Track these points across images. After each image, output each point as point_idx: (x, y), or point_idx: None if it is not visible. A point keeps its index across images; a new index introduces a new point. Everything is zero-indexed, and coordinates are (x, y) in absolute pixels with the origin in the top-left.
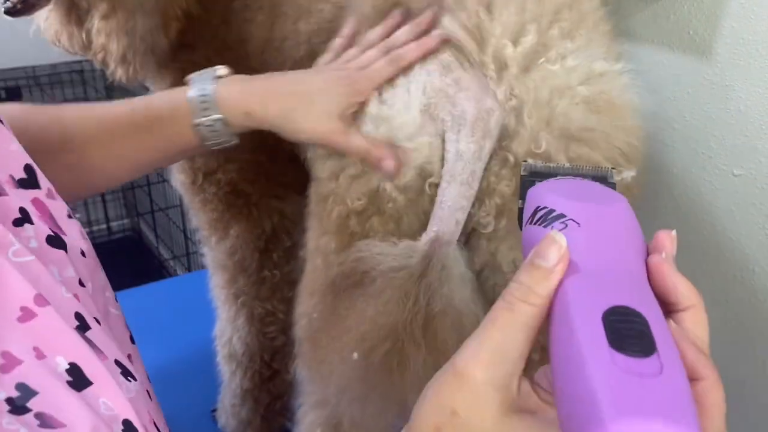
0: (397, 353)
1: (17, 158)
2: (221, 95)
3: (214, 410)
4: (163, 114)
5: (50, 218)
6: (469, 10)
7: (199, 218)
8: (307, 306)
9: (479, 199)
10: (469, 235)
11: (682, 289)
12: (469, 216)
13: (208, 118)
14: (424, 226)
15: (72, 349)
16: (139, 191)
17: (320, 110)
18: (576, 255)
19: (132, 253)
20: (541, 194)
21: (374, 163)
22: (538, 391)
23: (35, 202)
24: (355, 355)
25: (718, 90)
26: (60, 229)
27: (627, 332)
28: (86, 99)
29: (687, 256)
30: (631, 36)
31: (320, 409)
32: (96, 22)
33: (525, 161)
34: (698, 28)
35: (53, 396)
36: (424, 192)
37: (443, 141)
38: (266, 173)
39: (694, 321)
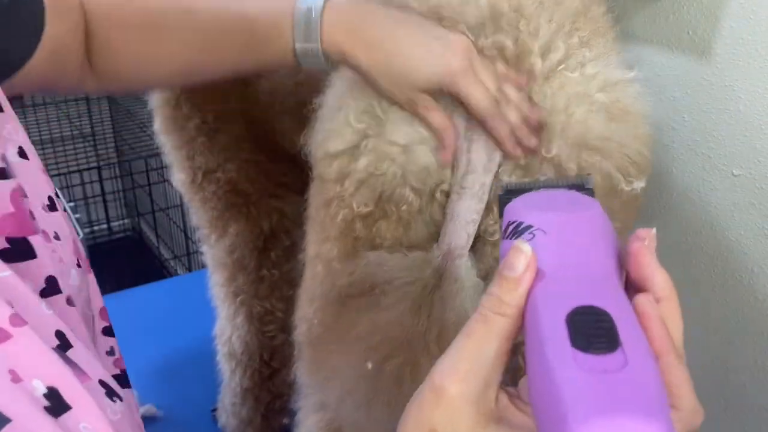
0: (410, 364)
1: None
2: (326, 23)
3: (215, 409)
4: (261, 26)
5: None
6: (512, 26)
7: (198, 216)
8: (306, 312)
9: (487, 207)
10: (474, 241)
11: (658, 279)
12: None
13: (310, 45)
14: (431, 233)
15: (50, 371)
16: (140, 191)
17: (415, 79)
18: (544, 262)
19: (132, 253)
20: (514, 209)
21: (441, 143)
22: (516, 401)
23: (13, 195)
24: (369, 365)
25: (718, 90)
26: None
27: (590, 331)
28: (86, 99)
29: (687, 257)
30: (631, 36)
31: (320, 413)
32: None
33: (502, 181)
34: (698, 28)
35: (29, 422)
36: (434, 199)
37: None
38: (265, 173)
39: (667, 313)
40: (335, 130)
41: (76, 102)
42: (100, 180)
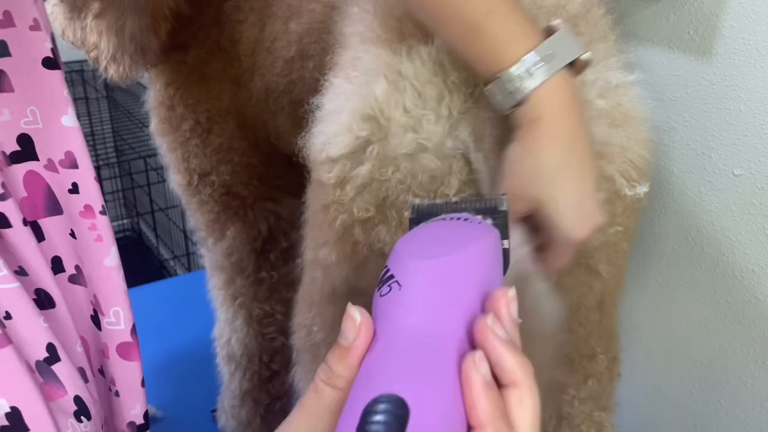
0: None
1: (9, 129)
2: (533, 104)
3: (214, 410)
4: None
5: (45, 194)
6: None
7: (196, 219)
8: (305, 318)
9: None
10: None
11: (506, 365)
12: None
13: (503, 98)
14: None
15: (18, 392)
16: (139, 191)
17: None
18: (387, 324)
19: (132, 253)
20: (393, 252)
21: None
22: None
23: (30, 174)
24: None
25: (718, 90)
26: (55, 208)
27: (375, 428)
28: (86, 99)
29: (687, 257)
30: (631, 36)
31: None
32: (89, 20)
33: (413, 201)
34: (698, 28)
35: None
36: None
37: (463, 158)
38: (260, 176)
39: (515, 401)
40: (336, 134)
41: (76, 102)
42: (100, 180)
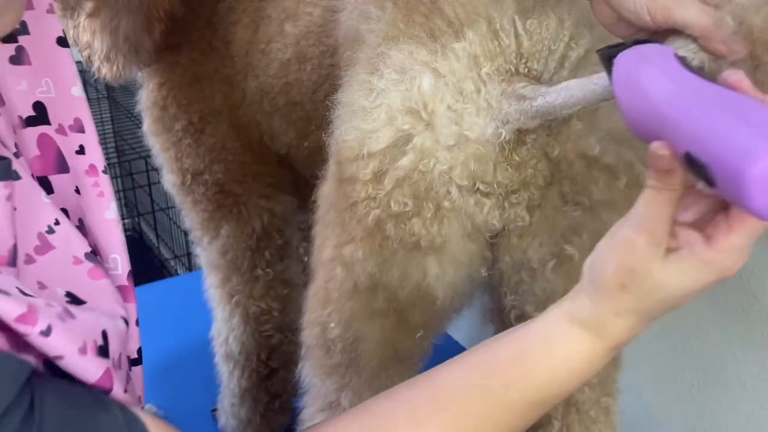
0: None
1: (26, 97)
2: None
3: (214, 410)
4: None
5: (55, 154)
6: None
7: (191, 219)
8: (319, 315)
9: (514, 191)
10: (498, 237)
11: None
12: (501, 214)
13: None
14: (464, 228)
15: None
16: (140, 191)
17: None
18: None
19: (133, 252)
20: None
21: None
22: (680, 234)
23: (42, 138)
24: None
25: None
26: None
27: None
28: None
29: None
30: None
31: (327, 413)
32: (82, 19)
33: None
34: None
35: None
36: (474, 194)
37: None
38: (253, 174)
39: None
40: (376, 129)
41: None
42: None
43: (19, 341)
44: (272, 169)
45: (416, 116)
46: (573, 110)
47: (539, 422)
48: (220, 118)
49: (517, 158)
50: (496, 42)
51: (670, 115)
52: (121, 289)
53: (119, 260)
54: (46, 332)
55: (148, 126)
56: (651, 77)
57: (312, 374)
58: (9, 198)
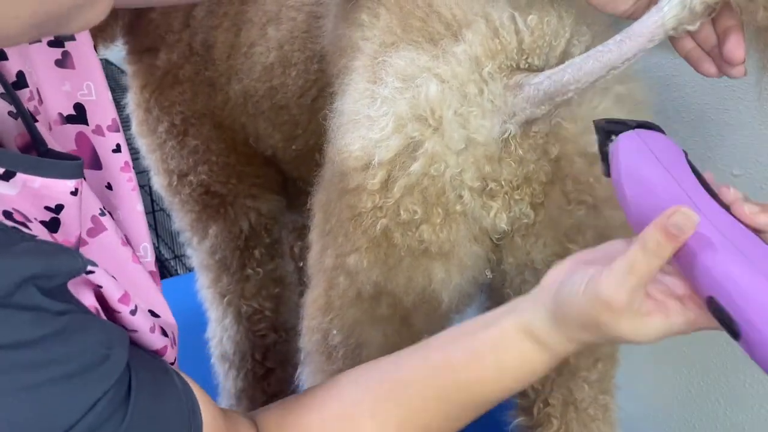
0: None
1: (68, 97)
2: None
3: None
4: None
5: (90, 152)
6: None
7: (180, 220)
8: (320, 321)
9: (517, 186)
10: (502, 239)
11: None
12: (508, 213)
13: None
14: (470, 232)
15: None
16: (140, 191)
17: None
18: None
19: None
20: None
21: None
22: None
23: (78, 136)
24: None
25: (718, 90)
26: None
27: None
28: None
29: None
30: None
31: None
32: None
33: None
34: None
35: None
36: (482, 195)
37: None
38: (238, 175)
39: None
40: (384, 138)
41: None
42: None
43: (109, 317)
44: (258, 169)
45: (424, 123)
46: (581, 86)
47: (537, 421)
48: (203, 120)
49: (520, 152)
50: (497, 40)
51: (693, 247)
52: (151, 274)
53: (148, 249)
54: (134, 312)
55: (134, 128)
56: (667, 188)
57: (312, 380)
58: (79, 194)
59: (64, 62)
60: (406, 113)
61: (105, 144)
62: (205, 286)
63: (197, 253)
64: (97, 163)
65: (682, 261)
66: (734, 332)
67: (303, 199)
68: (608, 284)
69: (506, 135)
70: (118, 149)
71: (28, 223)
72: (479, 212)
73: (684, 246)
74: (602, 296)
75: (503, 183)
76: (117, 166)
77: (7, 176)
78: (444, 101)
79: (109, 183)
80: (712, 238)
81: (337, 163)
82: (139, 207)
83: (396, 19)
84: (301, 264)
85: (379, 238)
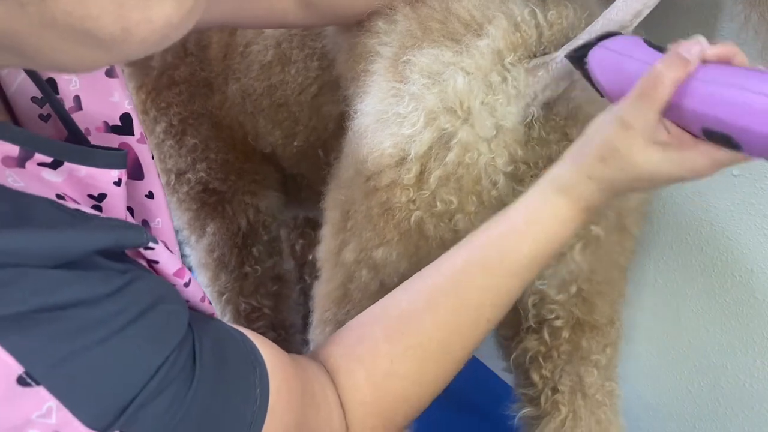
0: None
1: (116, 107)
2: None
3: None
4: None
5: (133, 162)
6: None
7: (177, 218)
8: (334, 313)
9: (544, 166)
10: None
11: None
12: None
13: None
14: None
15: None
16: None
17: None
18: None
19: None
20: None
21: None
22: (669, 127)
23: (123, 146)
24: None
25: None
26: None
27: None
28: None
29: (687, 257)
30: None
31: None
32: None
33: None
34: (697, 29)
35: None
36: (517, 175)
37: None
38: (236, 172)
39: None
40: (416, 133)
41: None
42: None
43: None
44: (256, 166)
45: (455, 114)
46: None
47: (545, 410)
48: (201, 119)
49: (543, 134)
50: (518, 34)
51: (676, 98)
52: (178, 272)
53: (177, 250)
54: (188, 284)
55: None
56: (637, 69)
57: None
58: (123, 184)
59: (112, 72)
60: (436, 106)
61: (145, 152)
62: (203, 285)
63: (195, 251)
64: (138, 173)
65: (673, 114)
66: (735, 145)
67: (302, 194)
68: (624, 105)
69: (530, 118)
70: (152, 157)
71: (78, 206)
72: (509, 198)
73: (669, 102)
74: (618, 113)
75: (531, 165)
76: (155, 173)
77: (56, 165)
78: (471, 92)
79: (150, 191)
80: (687, 84)
81: (367, 162)
82: (167, 212)
83: (414, 23)
84: (303, 262)
85: (412, 231)
